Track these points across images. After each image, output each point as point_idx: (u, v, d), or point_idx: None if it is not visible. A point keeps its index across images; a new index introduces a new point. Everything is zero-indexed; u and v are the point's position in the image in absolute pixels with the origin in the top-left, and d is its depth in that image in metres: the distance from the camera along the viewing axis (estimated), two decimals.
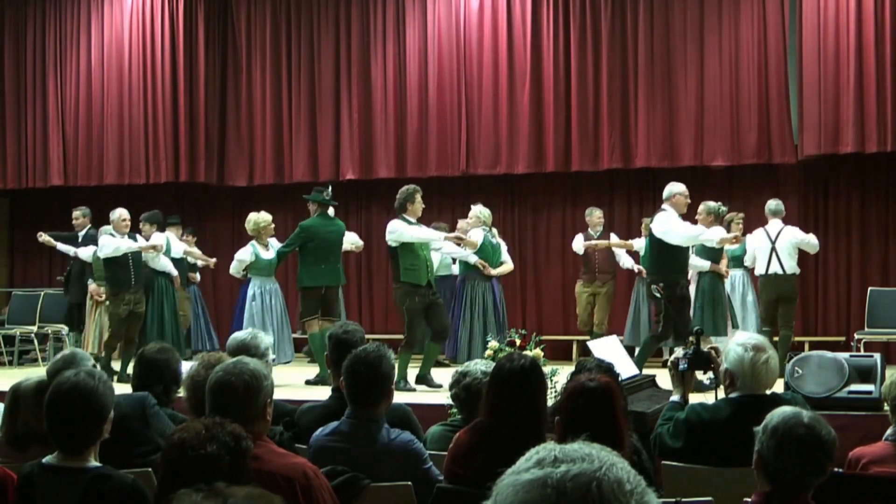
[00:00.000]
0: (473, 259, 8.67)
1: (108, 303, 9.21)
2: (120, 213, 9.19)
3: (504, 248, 9.08)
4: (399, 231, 8.03)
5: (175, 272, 9.57)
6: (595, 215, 10.20)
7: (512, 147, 10.87)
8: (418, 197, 8.15)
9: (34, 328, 10.82)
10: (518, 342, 6.63)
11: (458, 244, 8.54)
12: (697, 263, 8.69)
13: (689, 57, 10.50)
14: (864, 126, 9.33)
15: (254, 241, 9.09)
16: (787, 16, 10.16)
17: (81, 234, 10.24)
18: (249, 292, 8.89)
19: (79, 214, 10.40)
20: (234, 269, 9.26)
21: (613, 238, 10.09)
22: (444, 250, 8.92)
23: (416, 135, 11.25)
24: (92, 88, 11.88)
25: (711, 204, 8.62)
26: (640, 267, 9.80)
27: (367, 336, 4.99)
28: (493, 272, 8.67)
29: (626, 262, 10.17)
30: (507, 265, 9.02)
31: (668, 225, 7.76)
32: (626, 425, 3.17)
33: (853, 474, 3.68)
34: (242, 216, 12.33)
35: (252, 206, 12.12)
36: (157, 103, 11.68)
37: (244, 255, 9.06)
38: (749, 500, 2.87)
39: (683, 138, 10.47)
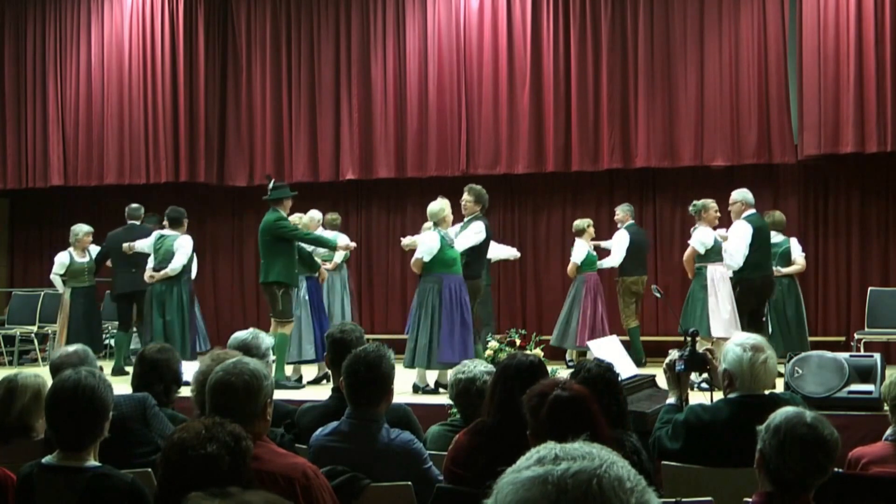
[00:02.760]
0: None
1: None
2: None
3: (419, 243, 8.10)
4: None
5: (147, 266, 9.46)
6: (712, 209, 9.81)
7: (512, 147, 10.86)
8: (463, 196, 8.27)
9: (34, 328, 10.82)
10: (518, 342, 6.64)
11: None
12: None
13: (689, 57, 10.50)
14: (864, 126, 9.32)
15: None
16: (787, 16, 10.16)
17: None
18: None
19: (130, 216, 10.25)
20: None
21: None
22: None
23: (416, 135, 11.25)
24: (92, 88, 11.89)
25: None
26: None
27: (367, 336, 4.98)
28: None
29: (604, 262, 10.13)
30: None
31: None
32: (607, 428, 3.13)
33: (853, 474, 3.67)
34: (242, 216, 12.43)
35: (252, 205, 12.17)
36: (157, 103, 11.68)
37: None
38: (749, 500, 2.87)
39: (683, 138, 10.47)
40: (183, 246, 9.17)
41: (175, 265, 9.09)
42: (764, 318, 8.42)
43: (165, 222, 9.50)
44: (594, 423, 2.99)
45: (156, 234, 9.40)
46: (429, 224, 8.50)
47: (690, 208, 8.60)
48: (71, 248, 9.95)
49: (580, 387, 3.23)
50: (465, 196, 8.20)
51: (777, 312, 8.98)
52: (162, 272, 9.07)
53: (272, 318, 8.26)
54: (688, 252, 8.46)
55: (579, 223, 9.99)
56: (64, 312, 9.84)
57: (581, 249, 9.86)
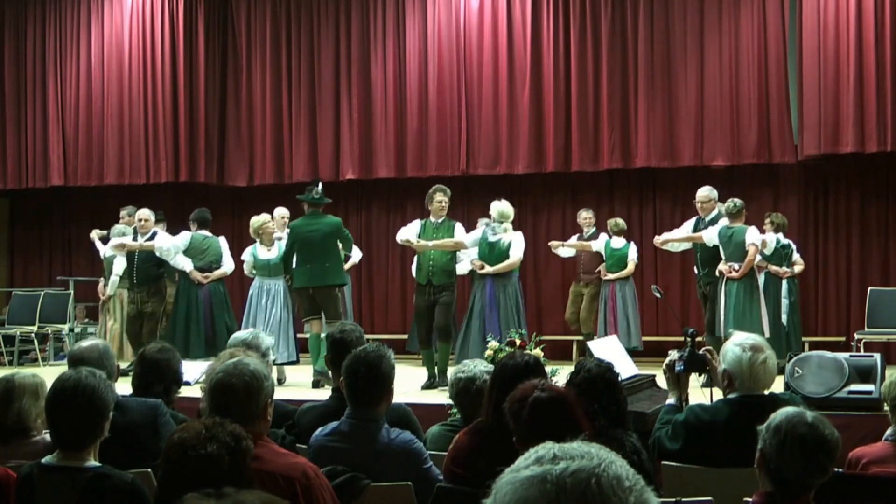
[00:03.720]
0: (472, 257, 8.52)
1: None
2: (126, 213, 9.69)
3: (515, 243, 8.24)
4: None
5: (189, 268, 9.38)
6: (582, 216, 10.15)
7: (512, 147, 10.87)
8: (436, 196, 8.18)
9: (34, 328, 10.81)
10: (518, 342, 6.63)
11: (409, 245, 8.35)
12: None
13: (689, 57, 10.50)
14: (864, 126, 9.32)
15: (256, 242, 9.22)
16: (787, 16, 10.16)
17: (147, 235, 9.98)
18: (250, 292, 9.08)
19: (122, 214, 10.27)
20: (245, 269, 9.43)
21: (572, 240, 10.12)
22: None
23: (416, 135, 11.25)
24: (92, 88, 11.89)
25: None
26: (600, 268, 9.85)
27: (366, 336, 4.98)
28: (487, 270, 8.06)
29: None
30: (506, 262, 8.13)
31: None
32: (590, 427, 3.13)
33: (853, 474, 3.67)
34: (242, 216, 12.39)
35: (252, 205, 12.15)
36: (157, 103, 11.68)
37: (245, 255, 9.31)
38: (750, 500, 2.87)
39: (683, 138, 10.47)
40: (226, 246, 9.54)
41: (231, 265, 9.52)
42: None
43: (159, 221, 9.84)
44: (576, 423, 3.00)
45: (191, 234, 9.45)
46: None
47: (730, 205, 8.42)
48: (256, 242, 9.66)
49: (559, 387, 3.25)
50: (442, 197, 8.18)
51: (793, 314, 9.00)
52: (220, 272, 9.37)
53: (328, 319, 8.24)
54: (752, 252, 8.29)
55: (622, 223, 9.97)
56: (122, 313, 9.82)
57: (634, 249, 9.89)
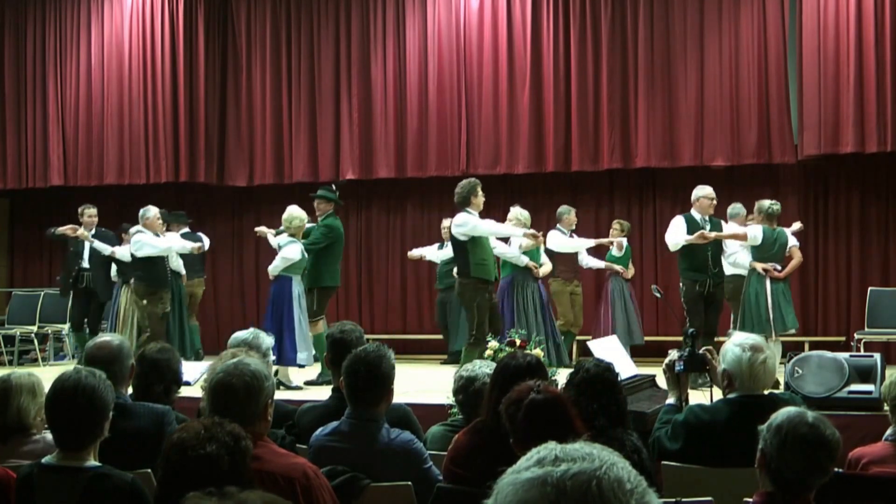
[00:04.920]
0: (525, 261, 8.40)
1: (144, 302, 8.99)
2: (155, 212, 9.18)
3: (542, 248, 8.65)
4: (472, 224, 7.61)
5: (184, 271, 9.61)
6: (573, 214, 10.00)
7: (512, 147, 10.87)
8: (479, 190, 7.91)
9: (34, 328, 10.83)
10: (518, 342, 6.63)
11: (534, 241, 8.05)
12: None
13: (689, 57, 10.50)
14: (864, 126, 9.33)
15: (296, 239, 8.38)
16: (787, 16, 10.17)
17: (91, 232, 9.93)
18: (294, 292, 8.18)
19: (94, 213, 10.08)
20: (278, 267, 8.25)
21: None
22: (497, 250, 8.34)
23: (416, 135, 11.25)
24: (92, 88, 11.89)
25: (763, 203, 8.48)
26: (621, 267, 9.83)
27: (366, 336, 4.98)
28: (542, 272, 8.27)
29: (588, 262, 10.06)
30: (547, 265, 8.53)
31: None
32: (584, 428, 3.14)
33: (853, 474, 3.67)
34: (242, 216, 12.43)
35: (252, 206, 12.18)
36: (157, 103, 11.68)
37: (294, 253, 8.19)
38: (750, 500, 2.87)
39: (683, 138, 10.47)
40: None
41: None
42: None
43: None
44: (571, 424, 3.00)
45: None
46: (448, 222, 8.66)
47: (774, 207, 8.26)
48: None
49: (554, 389, 3.25)
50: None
51: None
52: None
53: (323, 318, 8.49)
54: (798, 253, 8.30)
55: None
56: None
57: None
